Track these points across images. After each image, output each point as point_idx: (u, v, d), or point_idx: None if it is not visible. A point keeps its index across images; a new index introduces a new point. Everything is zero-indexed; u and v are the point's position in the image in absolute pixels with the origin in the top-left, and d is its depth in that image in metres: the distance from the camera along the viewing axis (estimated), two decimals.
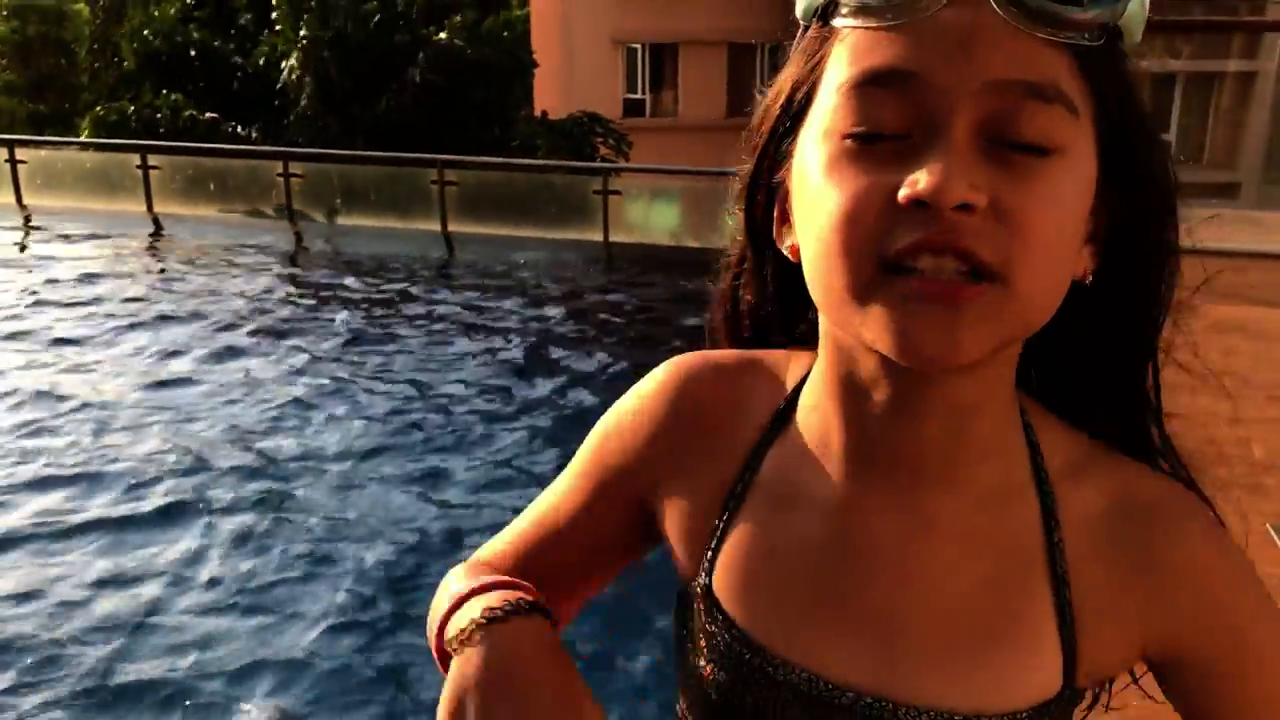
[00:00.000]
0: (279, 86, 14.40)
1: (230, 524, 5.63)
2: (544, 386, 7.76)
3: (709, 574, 0.82)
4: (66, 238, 12.07)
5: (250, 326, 9.13)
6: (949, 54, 0.66)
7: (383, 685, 4.36)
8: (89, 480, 6.15)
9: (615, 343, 8.91)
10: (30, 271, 10.87)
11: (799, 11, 0.75)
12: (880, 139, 0.68)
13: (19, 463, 6.36)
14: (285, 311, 9.71)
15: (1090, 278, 0.75)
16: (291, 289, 10.53)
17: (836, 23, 0.71)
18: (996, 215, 0.66)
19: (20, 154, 13.15)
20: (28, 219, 12.83)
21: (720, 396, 0.85)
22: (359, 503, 5.94)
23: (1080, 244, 0.72)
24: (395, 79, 14.39)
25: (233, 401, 7.42)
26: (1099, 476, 0.79)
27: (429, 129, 13.83)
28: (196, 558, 5.28)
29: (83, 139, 15.34)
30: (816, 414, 0.80)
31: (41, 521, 5.62)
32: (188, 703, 4.21)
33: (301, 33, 13.94)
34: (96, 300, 9.81)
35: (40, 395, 7.47)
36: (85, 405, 7.32)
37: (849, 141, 0.69)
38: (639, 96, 25.03)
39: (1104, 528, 0.77)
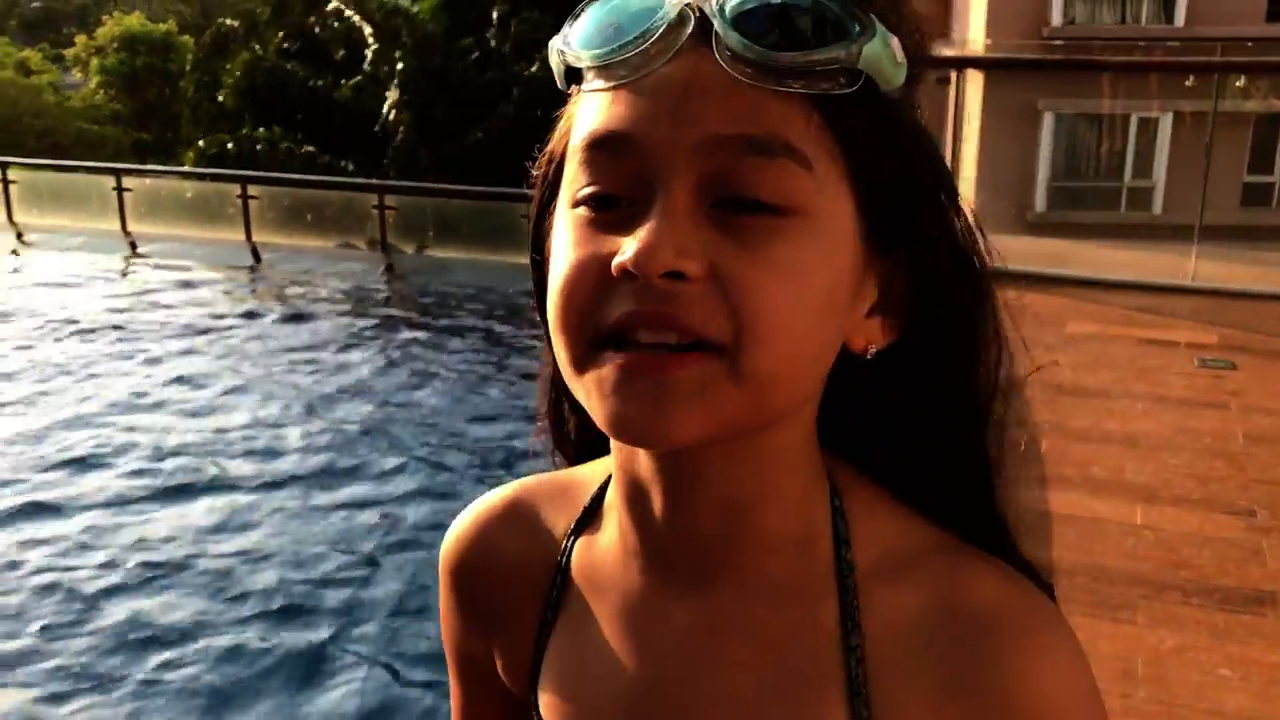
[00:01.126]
0: (380, 123, 14.76)
1: (330, 551, 5.76)
2: None
3: (535, 698, 0.79)
4: (168, 264, 12.46)
5: (343, 355, 9.33)
6: (665, 112, 0.62)
7: None
8: (182, 491, 6.33)
9: None
10: (134, 295, 11.25)
11: (559, 82, 0.71)
12: (608, 206, 0.64)
13: (113, 476, 6.57)
14: (377, 340, 9.92)
15: (872, 351, 0.69)
16: (383, 318, 10.74)
17: (583, 86, 0.67)
18: (717, 283, 0.61)
19: (126, 182, 13.62)
20: (132, 245, 13.27)
21: (505, 533, 0.83)
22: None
23: (840, 313, 0.66)
24: (489, 114, 14.67)
25: (324, 427, 7.58)
26: (923, 575, 0.70)
27: (520, 163, 14.04)
28: (302, 580, 5.41)
29: (185, 169, 15.86)
30: (613, 513, 0.77)
31: (149, 544, 5.80)
32: None
33: (399, 66, 14.30)
34: (194, 326, 10.11)
35: (140, 413, 7.71)
36: (183, 425, 7.54)
37: (580, 209, 0.65)
38: None
39: (917, 636, 0.68)
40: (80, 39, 45.75)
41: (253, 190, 12.91)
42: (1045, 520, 4.14)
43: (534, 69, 15.08)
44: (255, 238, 12.84)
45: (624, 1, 0.65)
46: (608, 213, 0.64)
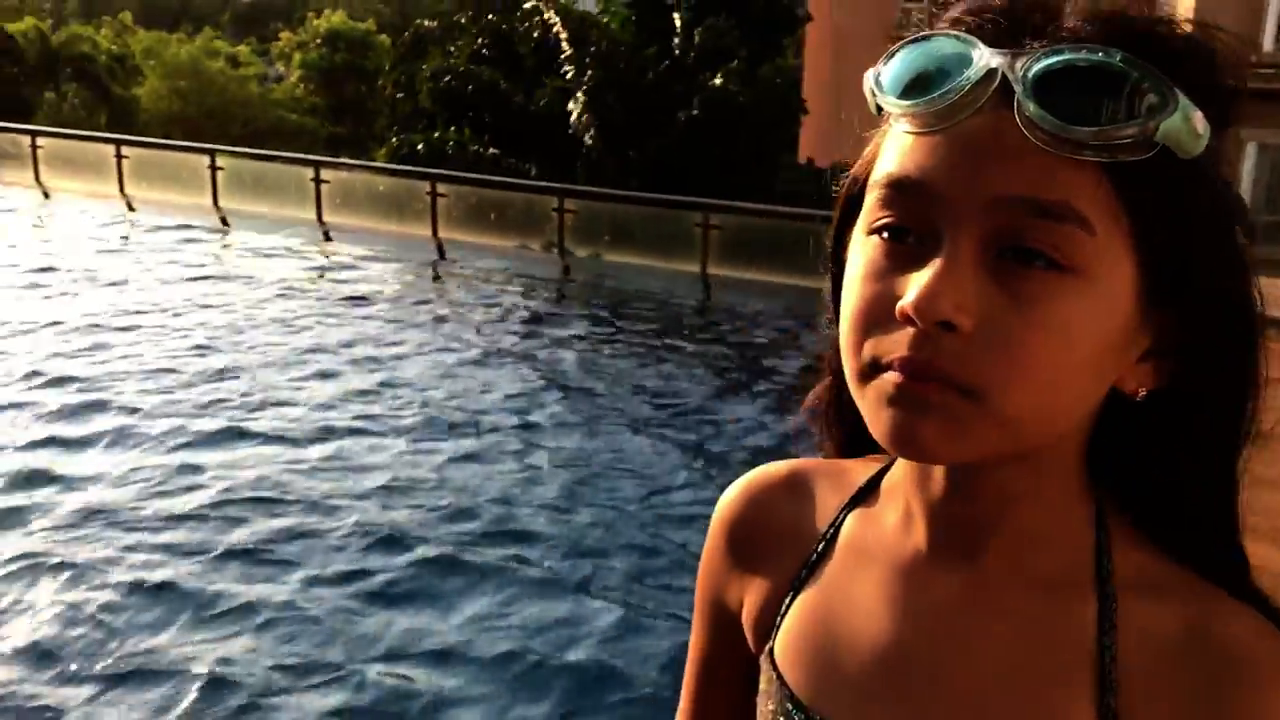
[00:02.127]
0: (566, 128, 15.12)
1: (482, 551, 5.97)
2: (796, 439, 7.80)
3: (773, 641, 0.86)
4: (358, 253, 13.05)
5: (514, 351, 9.63)
6: (962, 167, 0.67)
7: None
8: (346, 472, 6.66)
9: None
10: (326, 284, 11.83)
11: (870, 108, 0.75)
12: (899, 238, 0.70)
13: (288, 471, 6.95)
14: (548, 338, 10.19)
15: (1143, 394, 0.73)
16: (556, 318, 11.01)
17: (892, 124, 0.73)
18: (984, 336, 0.66)
19: (324, 174, 14.32)
20: (326, 234, 13.94)
21: (780, 499, 0.91)
22: (599, 525, 6.18)
23: (1108, 365, 0.70)
24: (670, 121, 14.85)
25: (490, 421, 7.86)
26: (1179, 600, 0.74)
27: (697, 171, 14.21)
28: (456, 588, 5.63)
29: (380, 164, 16.56)
30: (891, 494, 0.84)
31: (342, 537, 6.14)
32: None
33: (586, 75, 14.62)
34: (380, 313, 10.58)
35: (320, 401, 8.13)
36: (365, 415, 7.93)
37: (874, 238, 0.71)
38: None
39: (1168, 655, 0.72)
40: (285, 35, 48.17)
41: (441, 188, 13.41)
42: None
43: (717, 79, 15.21)
44: (441, 234, 13.32)
45: (936, 48, 0.70)
46: (899, 244, 0.70)
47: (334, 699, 4.48)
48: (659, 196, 12.81)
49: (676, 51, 16.35)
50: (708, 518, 0.97)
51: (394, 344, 9.65)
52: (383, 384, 8.52)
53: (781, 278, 11.63)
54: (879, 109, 0.74)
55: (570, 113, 15.32)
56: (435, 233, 13.35)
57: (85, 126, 33.14)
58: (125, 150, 15.62)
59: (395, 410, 7.93)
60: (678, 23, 16.78)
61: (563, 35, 15.56)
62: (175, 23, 55.39)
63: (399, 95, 18.42)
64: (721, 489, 1.00)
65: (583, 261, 12.93)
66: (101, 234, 13.72)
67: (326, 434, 7.45)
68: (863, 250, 0.73)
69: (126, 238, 13.61)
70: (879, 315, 0.69)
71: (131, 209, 15.11)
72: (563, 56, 15.76)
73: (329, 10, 47.79)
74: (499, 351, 9.55)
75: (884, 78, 0.72)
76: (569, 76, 15.51)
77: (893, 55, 0.73)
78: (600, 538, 6.08)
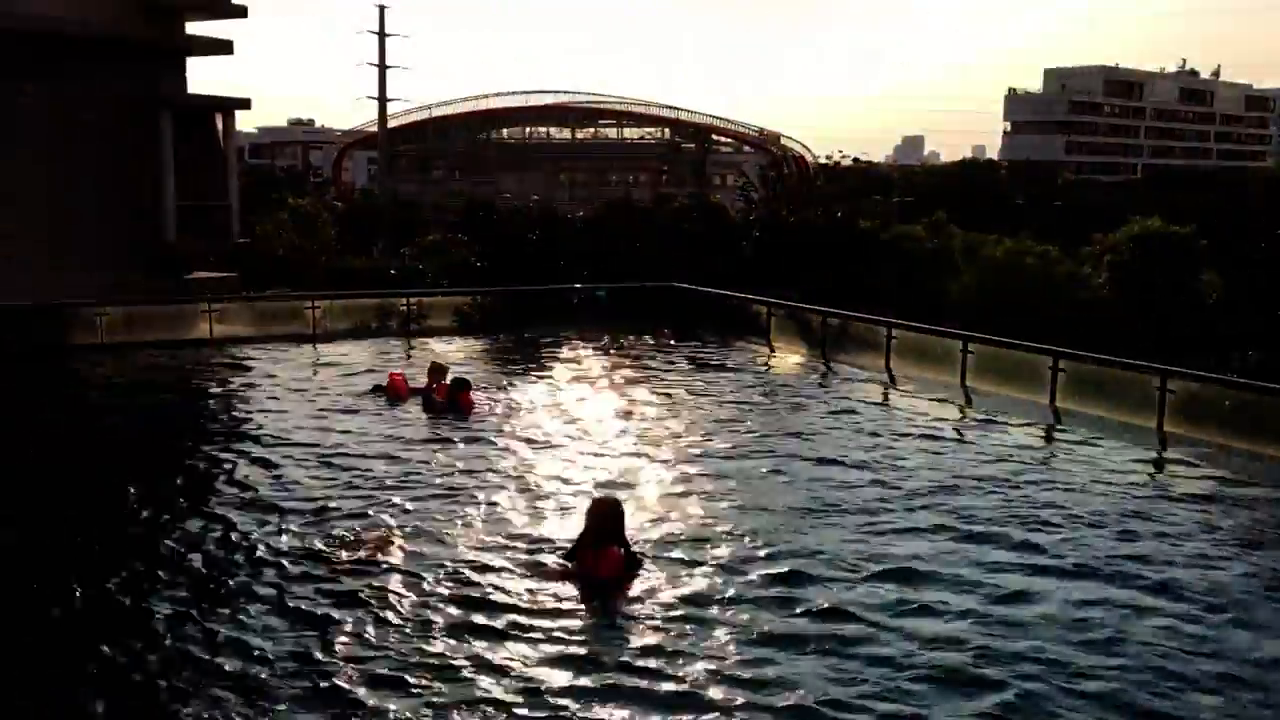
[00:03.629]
0: None
1: None
2: None
3: None
4: (1196, 466, 12.56)
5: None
6: None
7: None
8: None
9: None
10: (1158, 497, 11.44)
11: None
12: None
13: None
14: None
15: None
16: None
17: None
18: None
19: (1170, 383, 13.92)
20: (1163, 442, 13.48)
21: None
22: None
23: None
24: None
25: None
26: None
27: None
28: None
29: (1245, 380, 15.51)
30: None
31: None
32: None
33: None
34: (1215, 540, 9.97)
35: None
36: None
37: None
38: None
39: None
40: (1096, 237, 48.51)
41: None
42: None
43: None
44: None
45: None
46: None
47: None
48: None
49: None
50: None
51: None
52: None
53: None
54: None
55: None
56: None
57: (892, 315, 36.32)
58: (971, 346, 16.75)
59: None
60: None
61: None
62: (987, 223, 58.75)
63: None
64: None
65: None
66: (933, 421, 14.78)
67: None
68: None
69: (958, 433, 14.43)
70: None
71: (969, 399, 16.08)
72: None
73: (1142, 217, 47.40)
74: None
75: None
76: None
77: None
78: None
